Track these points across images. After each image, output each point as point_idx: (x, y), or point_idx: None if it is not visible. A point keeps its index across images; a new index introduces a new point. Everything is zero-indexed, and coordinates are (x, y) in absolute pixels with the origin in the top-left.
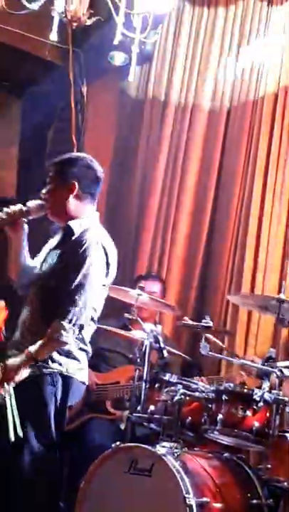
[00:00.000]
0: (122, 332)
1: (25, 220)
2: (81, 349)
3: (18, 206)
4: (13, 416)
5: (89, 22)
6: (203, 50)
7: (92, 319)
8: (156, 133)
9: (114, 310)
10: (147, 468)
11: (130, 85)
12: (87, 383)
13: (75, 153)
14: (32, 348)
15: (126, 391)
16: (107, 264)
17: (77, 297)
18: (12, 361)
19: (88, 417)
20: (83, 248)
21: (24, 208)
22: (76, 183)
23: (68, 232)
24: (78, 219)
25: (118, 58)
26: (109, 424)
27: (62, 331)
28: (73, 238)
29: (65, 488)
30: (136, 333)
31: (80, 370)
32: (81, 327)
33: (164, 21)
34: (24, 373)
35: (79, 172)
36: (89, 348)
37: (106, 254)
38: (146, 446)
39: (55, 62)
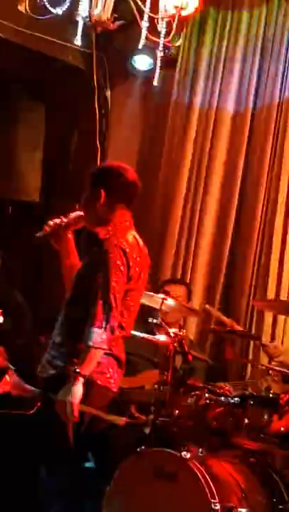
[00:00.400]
0: (147, 336)
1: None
2: (106, 354)
3: (58, 219)
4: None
5: (113, 26)
6: (227, 53)
7: (120, 326)
8: (179, 137)
9: (139, 315)
10: (172, 472)
11: (154, 89)
12: (112, 388)
13: (107, 163)
14: (75, 368)
15: (151, 395)
16: (128, 267)
17: (102, 301)
18: (62, 393)
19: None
20: (102, 253)
21: (64, 220)
22: (103, 190)
23: (94, 239)
24: (106, 225)
25: (142, 62)
26: (135, 429)
27: (97, 338)
28: (98, 244)
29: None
30: (161, 338)
31: (101, 374)
32: (112, 329)
33: (187, 25)
34: (79, 392)
35: (108, 180)
36: (118, 353)
37: (126, 258)
38: (171, 451)
39: (79, 66)
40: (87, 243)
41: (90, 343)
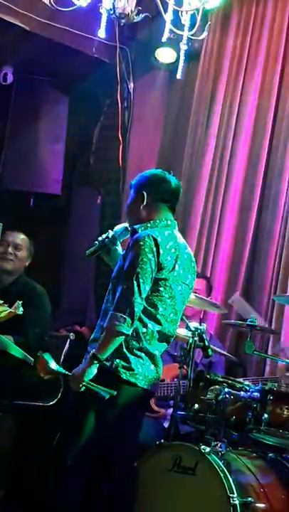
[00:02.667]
0: None
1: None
2: (136, 349)
3: (105, 234)
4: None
5: (137, 19)
6: (251, 46)
7: (154, 318)
8: (202, 130)
9: None
10: (191, 466)
11: (177, 82)
12: (139, 384)
13: (152, 170)
14: (93, 349)
15: (170, 389)
16: (158, 254)
17: (125, 287)
18: (77, 369)
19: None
20: (132, 243)
21: (111, 233)
22: (145, 193)
23: (132, 234)
24: (146, 222)
25: (166, 55)
26: (154, 423)
27: (116, 321)
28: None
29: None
30: (181, 332)
31: (127, 369)
32: (132, 316)
33: (212, 18)
34: (91, 374)
35: (149, 183)
36: (151, 349)
37: (157, 246)
38: (190, 445)
39: (103, 59)
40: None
41: (108, 325)
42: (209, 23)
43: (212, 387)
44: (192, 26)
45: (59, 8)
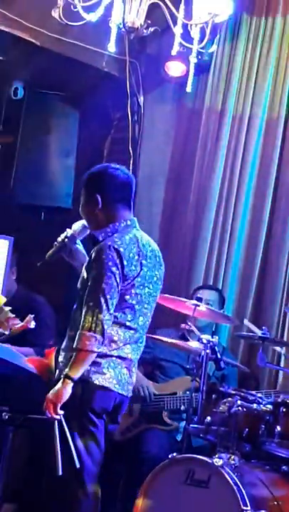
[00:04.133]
0: (179, 342)
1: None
2: (107, 355)
3: (64, 234)
4: (64, 447)
5: (146, 32)
6: (260, 59)
7: (122, 326)
8: (212, 143)
9: (172, 320)
10: (204, 479)
11: (187, 96)
12: (113, 388)
13: (98, 166)
14: (66, 369)
15: (183, 402)
16: (122, 266)
17: (92, 304)
18: (52, 391)
19: (144, 428)
20: (95, 255)
21: (69, 233)
22: (99, 196)
23: (95, 241)
24: (105, 227)
25: (175, 69)
26: (166, 435)
27: (86, 341)
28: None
29: (121, 499)
30: (193, 344)
31: (99, 374)
32: (102, 333)
33: (221, 31)
34: (66, 394)
35: (101, 184)
36: (125, 354)
37: (120, 258)
38: (203, 458)
39: (113, 73)
40: (90, 248)
41: (78, 346)
42: (218, 36)
43: (225, 400)
44: (202, 39)
45: (69, 23)
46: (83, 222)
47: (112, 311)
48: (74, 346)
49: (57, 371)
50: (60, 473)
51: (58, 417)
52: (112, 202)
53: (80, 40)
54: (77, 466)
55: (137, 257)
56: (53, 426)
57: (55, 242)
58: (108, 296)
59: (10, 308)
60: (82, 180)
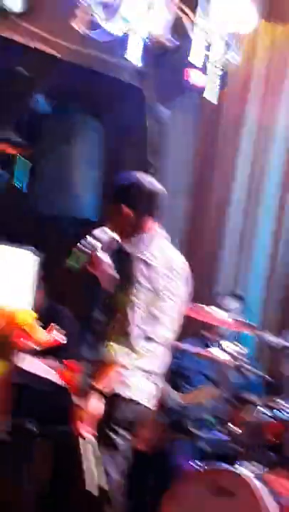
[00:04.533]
0: (202, 351)
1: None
2: (131, 366)
3: (84, 241)
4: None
5: (168, 43)
6: (279, 69)
7: (146, 338)
8: (233, 152)
9: (195, 329)
10: (230, 489)
11: (208, 105)
12: (138, 400)
13: (125, 177)
14: (92, 381)
15: (207, 411)
16: (150, 279)
17: (119, 316)
18: (80, 405)
19: (169, 438)
20: (123, 266)
21: (90, 240)
22: (127, 207)
23: (122, 252)
24: (131, 238)
25: (196, 79)
26: (191, 445)
27: (113, 353)
28: (122, 258)
29: (148, 510)
30: (216, 353)
31: (124, 386)
32: (129, 345)
33: (241, 41)
34: (93, 407)
35: (129, 195)
36: (147, 366)
37: (148, 270)
38: (229, 467)
39: (134, 83)
40: (116, 258)
41: (104, 358)
42: (239, 45)
43: (249, 409)
44: (222, 49)
45: (91, 35)
46: (104, 228)
47: (139, 324)
48: (100, 358)
49: (82, 382)
50: (96, 493)
51: (90, 436)
52: (140, 213)
53: (100, 52)
54: (106, 487)
55: (164, 269)
56: (81, 443)
57: (74, 249)
58: (136, 309)
59: (41, 324)
60: (110, 189)
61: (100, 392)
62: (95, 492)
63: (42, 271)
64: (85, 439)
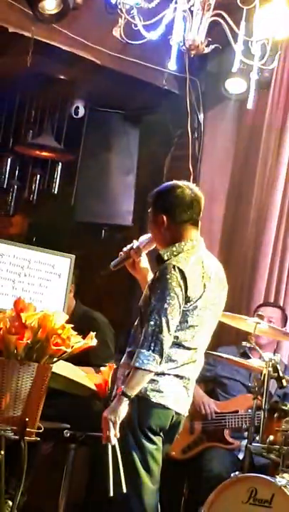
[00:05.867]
0: (240, 360)
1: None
2: (164, 374)
3: (130, 245)
4: (114, 469)
5: (207, 50)
6: None
7: (181, 346)
8: (273, 160)
9: (233, 338)
10: (267, 499)
11: (247, 112)
12: (170, 407)
13: (165, 185)
14: (122, 386)
15: (245, 420)
16: (186, 288)
17: (152, 323)
18: (108, 409)
19: (206, 446)
20: (159, 274)
21: (135, 245)
22: (165, 216)
23: (159, 260)
24: (170, 247)
25: (236, 86)
26: (228, 454)
27: (144, 359)
28: (160, 266)
29: None
30: (254, 362)
31: (156, 392)
32: (160, 354)
33: (282, 47)
34: (123, 412)
35: (168, 204)
36: (182, 373)
37: (184, 279)
38: (265, 477)
39: (173, 90)
40: (155, 265)
41: (136, 364)
42: (279, 52)
43: (287, 418)
44: (262, 56)
45: (129, 42)
46: (150, 235)
47: (172, 332)
48: (132, 364)
49: (114, 388)
50: (111, 494)
51: (114, 439)
52: (179, 222)
53: (140, 59)
54: (124, 490)
55: (200, 279)
56: (107, 445)
57: (121, 253)
58: (170, 317)
59: (72, 326)
60: (149, 197)
61: (129, 397)
62: (110, 493)
63: (78, 277)
64: (112, 444)
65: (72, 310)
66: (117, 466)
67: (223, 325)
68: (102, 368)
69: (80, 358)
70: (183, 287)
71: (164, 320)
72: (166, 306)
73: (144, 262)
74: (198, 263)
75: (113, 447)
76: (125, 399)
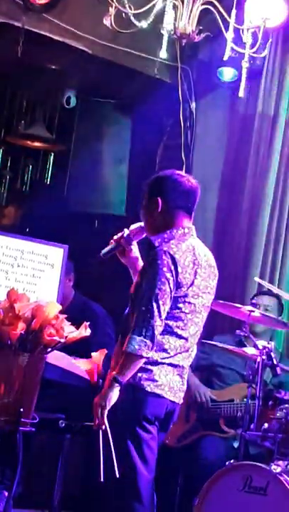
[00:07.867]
0: (235, 349)
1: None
2: (158, 363)
3: (120, 233)
4: (106, 454)
5: (198, 38)
6: None
7: (173, 334)
8: (265, 148)
9: (228, 326)
10: (262, 486)
11: (239, 101)
12: (165, 395)
13: (163, 172)
14: (114, 372)
15: (240, 409)
16: (177, 273)
17: (144, 309)
18: (99, 394)
19: (201, 435)
20: (150, 259)
21: (126, 233)
22: (160, 199)
23: (151, 246)
24: (162, 233)
25: (227, 74)
26: (223, 443)
27: (135, 345)
28: (150, 252)
29: (178, 506)
30: (249, 350)
31: (150, 381)
32: (152, 339)
33: (273, 36)
34: (113, 397)
35: (164, 188)
36: (176, 361)
37: (175, 264)
38: (261, 465)
39: (164, 79)
40: (146, 252)
41: (128, 350)
42: (270, 40)
43: (282, 407)
44: (254, 44)
45: (120, 31)
46: (141, 224)
47: (163, 317)
48: (123, 349)
49: (102, 372)
50: (102, 479)
51: (104, 424)
52: (173, 208)
53: (131, 48)
54: (117, 475)
55: (192, 266)
56: (98, 432)
57: (111, 240)
58: (161, 302)
59: (65, 316)
60: (145, 184)
61: (120, 383)
62: (101, 478)
63: (73, 266)
64: (105, 430)
65: (71, 300)
66: (109, 451)
67: (218, 314)
68: (92, 354)
69: (80, 350)
70: (174, 272)
71: (154, 305)
72: (157, 291)
73: (134, 250)
74: (189, 250)
75: (104, 432)
76: (116, 384)
